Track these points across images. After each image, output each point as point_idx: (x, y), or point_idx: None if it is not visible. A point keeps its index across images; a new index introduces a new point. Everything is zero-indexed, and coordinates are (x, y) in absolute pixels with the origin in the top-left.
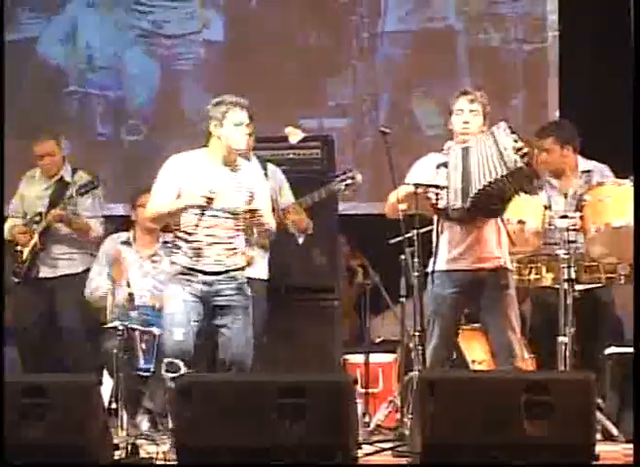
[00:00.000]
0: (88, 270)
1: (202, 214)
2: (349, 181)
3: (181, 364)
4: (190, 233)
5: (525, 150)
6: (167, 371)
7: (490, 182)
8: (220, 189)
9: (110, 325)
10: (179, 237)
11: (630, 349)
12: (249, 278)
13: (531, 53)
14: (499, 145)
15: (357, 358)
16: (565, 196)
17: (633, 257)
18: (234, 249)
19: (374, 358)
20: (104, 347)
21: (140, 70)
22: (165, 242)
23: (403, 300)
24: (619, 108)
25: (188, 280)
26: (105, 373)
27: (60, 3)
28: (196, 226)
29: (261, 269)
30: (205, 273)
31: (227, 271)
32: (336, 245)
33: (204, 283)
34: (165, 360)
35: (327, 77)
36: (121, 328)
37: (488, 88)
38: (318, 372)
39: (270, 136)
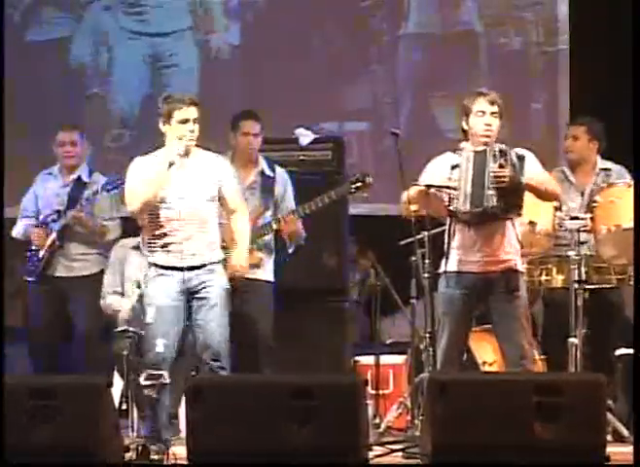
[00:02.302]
0: (102, 272)
1: (170, 209)
2: (359, 184)
3: (163, 373)
4: (162, 229)
5: (506, 179)
6: (147, 379)
7: (496, 203)
8: (182, 177)
9: (120, 328)
10: (153, 236)
11: None
12: (256, 280)
13: (549, 56)
14: (486, 169)
15: (368, 359)
16: (582, 193)
17: (633, 258)
18: (211, 242)
19: (385, 359)
20: (115, 349)
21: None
22: (135, 248)
23: (413, 301)
24: (629, 111)
25: (167, 281)
26: (116, 374)
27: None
28: (168, 221)
29: (267, 271)
30: (182, 269)
31: (203, 265)
32: (345, 247)
33: (183, 280)
34: (145, 372)
35: (345, 81)
36: (131, 330)
37: (510, 91)
38: (329, 374)
39: (280, 138)
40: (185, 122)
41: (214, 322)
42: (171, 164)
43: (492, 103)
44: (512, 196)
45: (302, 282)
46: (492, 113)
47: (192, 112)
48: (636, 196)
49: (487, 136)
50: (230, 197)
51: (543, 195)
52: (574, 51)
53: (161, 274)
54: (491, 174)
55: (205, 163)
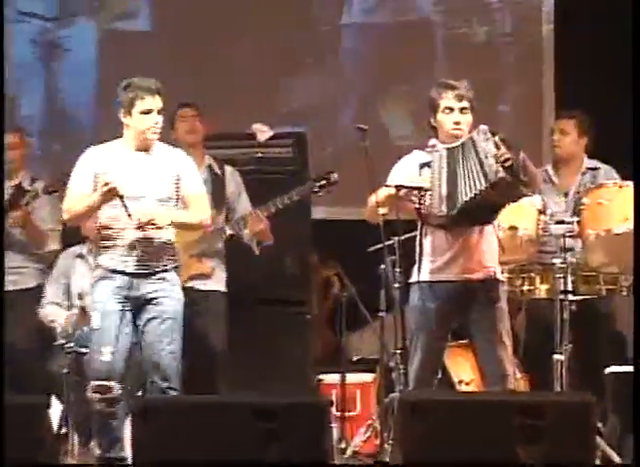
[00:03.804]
0: (39, 287)
1: (125, 207)
2: (323, 182)
3: (112, 384)
4: (109, 230)
5: (507, 156)
6: (95, 392)
7: (473, 196)
8: (138, 176)
9: (59, 342)
10: (100, 236)
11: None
12: (207, 291)
13: (523, 48)
14: (479, 153)
15: (332, 378)
16: (565, 195)
17: (634, 264)
18: (163, 247)
19: (352, 378)
20: (53, 368)
21: None
22: (80, 256)
23: (382, 314)
24: (620, 108)
25: (113, 284)
26: (54, 396)
27: None
28: (117, 222)
29: (219, 281)
30: (131, 275)
31: (154, 272)
32: (308, 254)
33: (129, 287)
34: (92, 383)
35: (277, 76)
36: (70, 346)
37: (472, 89)
38: (289, 393)
39: (235, 133)
40: (148, 112)
41: (165, 338)
42: (125, 162)
43: (461, 98)
44: (516, 174)
45: (261, 291)
46: (461, 109)
47: (156, 102)
48: (636, 199)
49: (456, 136)
50: (190, 196)
51: (533, 180)
52: (558, 40)
53: (107, 277)
54: (489, 155)
55: (163, 159)
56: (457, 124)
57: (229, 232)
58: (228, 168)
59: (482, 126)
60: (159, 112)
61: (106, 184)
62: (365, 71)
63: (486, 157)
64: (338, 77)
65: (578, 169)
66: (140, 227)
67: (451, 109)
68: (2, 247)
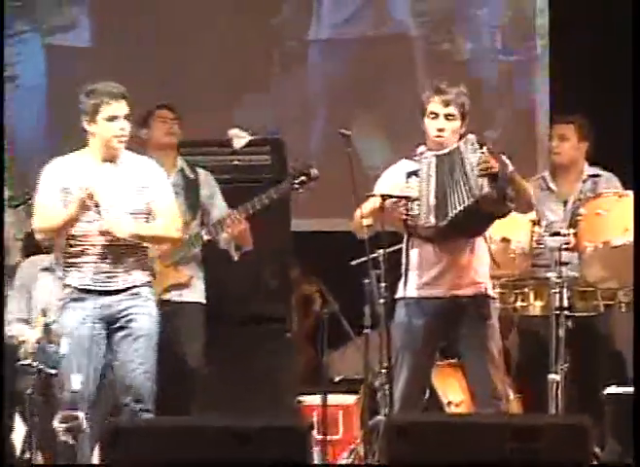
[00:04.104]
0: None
1: (88, 223)
2: (303, 177)
3: (79, 414)
4: (77, 247)
5: (493, 170)
6: (62, 422)
7: (459, 211)
8: (106, 189)
9: (23, 362)
10: (68, 253)
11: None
12: (184, 302)
13: (512, 66)
14: (465, 165)
15: (313, 399)
16: (565, 203)
17: (633, 279)
18: (135, 262)
19: (334, 399)
20: (17, 388)
21: None
22: (45, 269)
23: (367, 331)
24: (619, 115)
25: (83, 306)
26: (17, 417)
27: None
28: (85, 237)
29: (198, 291)
30: (102, 293)
31: (126, 289)
32: (289, 267)
33: (101, 306)
34: (60, 413)
35: (238, 94)
36: (34, 365)
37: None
38: (268, 415)
39: (209, 140)
40: (113, 119)
41: (138, 358)
42: (91, 173)
43: (447, 104)
44: (502, 187)
45: (237, 306)
46: (447, 115)
47: (122, 107)
48: (636, 207)
49: (439, 143)
50: (158, 209)
51: (522, 196)
52: (555, 58)
53: (77, 298)
54: (474, 166)
55: (131, 170)
56: (440, 130)
57: (206, 237)
58: (201, 172)
59: (470, 136)
60: (125, 118)
61: (85, 189)
62: (334, 92)
63: (472, 169)
64: (304, 97)
65: (578, 177)
66: (111, 241)
67: (436, 115)
68: (2, 246)
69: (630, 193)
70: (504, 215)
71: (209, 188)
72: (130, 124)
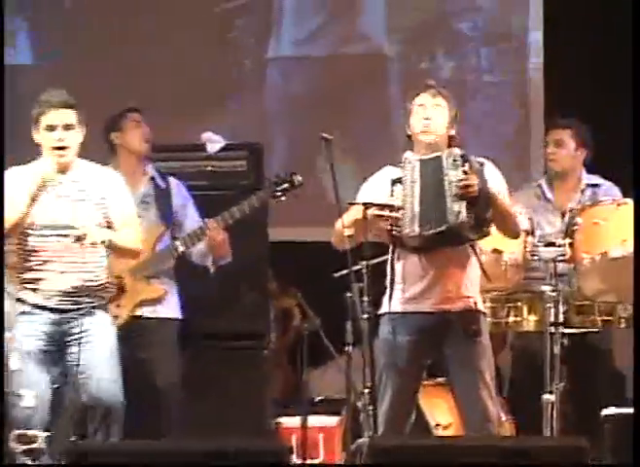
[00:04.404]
0: None
1: (41, 238)
2: (286, 185)
3: (36, 433)
4: (30, 262)
5: (473, 193)
6: (20, 442)
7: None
8: (62, 201)
9: None
10: (21, 268)
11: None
12: (156, 319)
13: (501, 87)
14: (444, 181)
15: (292, 421)
16: (562, 214)
17: (633, 292)
18: (90, 279)
19: (314, 421)
20: None
21: None
22: None
23: (349, 348)
24: (618, 123)
25: (35, 320)
26: None
27: None
28: (38, 252)
29: (172, 306)
30: (57, 311)
31: (80, 307)
32: (266, 280)
33: (54, 322)
34: (15, 432)
35: (194, 116)
36: None
37: None
38: (244, 438)
39: (182, 144)
40: (52, 129)
41: (104, 373)
42: (43, 185)
43: (435, 95)
44: (481, 210)
45: (211, 322)
46: (436, 105)
47: (61, 116)
48: (636, 216)
49: (426, 133)
50: (118, 221)
51: (504, 218)
52: (550, 80)
53: (29, 313)
54: (454, 184)
55: (87, 181)
56: (427, 119)
57: (181, 248)
58: (172, 180)
59: (455, 150)
60: (66, 127)
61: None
62: (295, 115)
63: (450, 188)
64: (261, 119)
65: (576, 186)
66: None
67: (423, 105)
68: (2, 249)
69: (630, 201)
70: (483, 237)
71: (182, 198)
72: (79, 133)
